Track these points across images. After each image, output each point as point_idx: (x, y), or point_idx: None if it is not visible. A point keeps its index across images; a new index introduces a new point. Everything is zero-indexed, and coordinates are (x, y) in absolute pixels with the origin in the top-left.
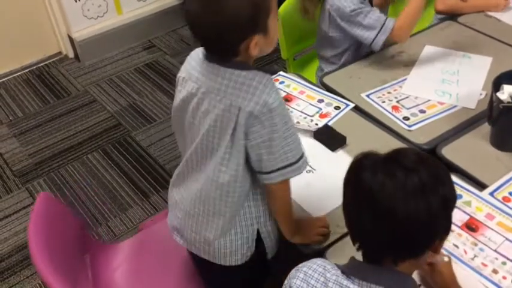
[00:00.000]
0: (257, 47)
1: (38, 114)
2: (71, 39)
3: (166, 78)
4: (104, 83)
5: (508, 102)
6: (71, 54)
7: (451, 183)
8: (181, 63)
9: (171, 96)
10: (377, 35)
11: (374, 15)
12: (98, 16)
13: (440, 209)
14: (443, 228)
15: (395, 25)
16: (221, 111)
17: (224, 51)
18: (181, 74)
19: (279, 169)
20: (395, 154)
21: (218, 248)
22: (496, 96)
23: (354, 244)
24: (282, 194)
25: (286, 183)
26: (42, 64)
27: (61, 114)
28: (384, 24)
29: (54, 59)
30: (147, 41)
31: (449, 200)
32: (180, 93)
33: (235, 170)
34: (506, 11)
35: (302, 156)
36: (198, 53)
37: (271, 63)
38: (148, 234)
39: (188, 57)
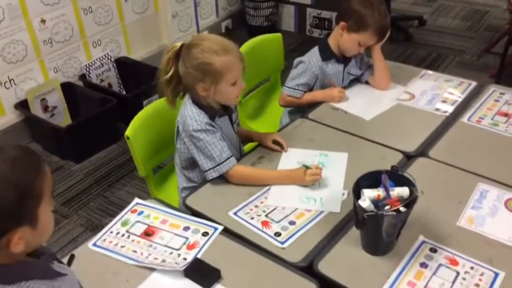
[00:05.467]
0: (21, 241)
1: None
2: None
3: None
4: None
5: (372, 211)
6: None
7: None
8: None
9: None
10: (211, 168)
11: (217, 148)
12: None
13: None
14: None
15: (236, 170)
16: None
17: None
18: None
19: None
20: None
21: None
22: (359, 205)
23: None
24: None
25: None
26: None
27: None
28: (221, 163)
29: None
30: None
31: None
32: None
33: None
34: (347, 102)
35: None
36: None
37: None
38: None
39: None
